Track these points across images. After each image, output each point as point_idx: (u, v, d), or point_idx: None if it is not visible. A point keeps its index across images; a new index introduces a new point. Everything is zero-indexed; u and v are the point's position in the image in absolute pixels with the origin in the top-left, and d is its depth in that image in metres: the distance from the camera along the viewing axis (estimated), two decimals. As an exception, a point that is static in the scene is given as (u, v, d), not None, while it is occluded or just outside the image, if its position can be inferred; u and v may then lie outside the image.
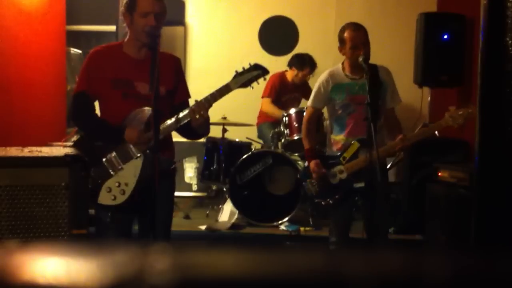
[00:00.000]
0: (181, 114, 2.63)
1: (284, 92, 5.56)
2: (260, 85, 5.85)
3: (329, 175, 3.31)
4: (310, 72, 5.54)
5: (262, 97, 5.54)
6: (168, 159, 2.72)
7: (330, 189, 3.31)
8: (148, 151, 2.61)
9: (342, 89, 3.27)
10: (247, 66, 2.75)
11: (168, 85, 2.71)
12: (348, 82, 3.27)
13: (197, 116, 2.60)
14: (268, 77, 4.98)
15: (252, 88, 2.77)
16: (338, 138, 3.34)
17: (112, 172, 2.63)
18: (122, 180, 2.63)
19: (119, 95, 2.66)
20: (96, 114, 2.80)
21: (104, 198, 2.61)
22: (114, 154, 2.64)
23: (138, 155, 2.63)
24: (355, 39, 3.18)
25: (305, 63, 5.54)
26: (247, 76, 2.72)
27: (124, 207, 2.64)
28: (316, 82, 3.38)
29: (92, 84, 2.69)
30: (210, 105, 2.67)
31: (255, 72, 2.73)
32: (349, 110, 3.27)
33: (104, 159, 2.64)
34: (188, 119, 2.63)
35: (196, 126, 2.66)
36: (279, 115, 5.25)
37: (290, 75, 5.58)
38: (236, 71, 2.74)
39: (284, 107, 5.41)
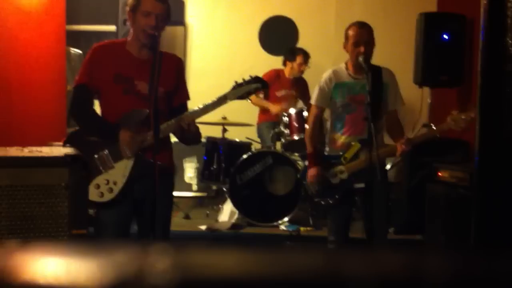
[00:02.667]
0: (161, 127, 2.63)
1: (278, 88, 5.55)
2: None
3: (330, 175, 3.31)
4: (304, 60, 5.56)
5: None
6: (162, 164, 2.65)
7: (331, 189, 3.31)
8: (140, 152, 2.62)
9: (343, 88, 3.28)
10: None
11: (168, 86, 2.71)
12: (350, 81, 3.27)
13: (189, 125, 2.62)
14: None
15: (250, 100, 2.77)
16: (337, 136, 3.34)
17: (102, 169, 2.64)
18: (111, 178, 2.63)
19: (120, 90, 2.65)
20: (93, 109, 2.79)
21: (92, 194, 2.61)
22: (106, 151, 2.64)
23: (130, 155, 2.64)
24: (357, 36, 3.18)
25: (296, 52, 5.60)
26: (246, 89, 2.72)
27: (110, 205, 2.64)
28: (320, 80, 3.37)
29: (93, 78, 2.68)
30: (205, 113, 2.68)
31: (254, 85, 2.73)
32: (349, 109, 3.28)
33: (96, 156, 2.64)
34: (168, 132, 2.65)
35: (188, 133, 2.67)
36: (267, 107, 5.33)
37: (288, 71, 5.60)
38: (236, 82, 2.74)
39: (279, 103, 5.41)
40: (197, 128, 2.70)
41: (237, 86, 2.72)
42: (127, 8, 2.69)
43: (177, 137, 2.83)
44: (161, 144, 2.61)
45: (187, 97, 2.87)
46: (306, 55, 5.58)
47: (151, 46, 2.59)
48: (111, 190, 2.63)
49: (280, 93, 5.56)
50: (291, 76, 5.59)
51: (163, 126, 2.60)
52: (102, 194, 2.63)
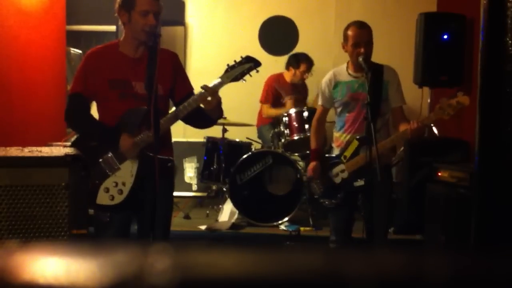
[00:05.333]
0: (180, 107, 2.62)
1: (283, 94, 5.56)
2: (261, 86, 5.82)
3: (332, 175, 3.33)
4: (308, 68, 5.55)
5: (260, 102, 5.57)
6: (164, 158, 2.67)
7: (334, 189, 3.33)
8: (144, 150, 2.61)
9: (342, 87, 3.30)
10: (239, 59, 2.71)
11: (167, 83, 2.70)
12: (349, 80, 3.29)
13: (209, 98, 2.59)
14: (265, 78, 4.90)
15: (245, 81, 2.72)
16: (338, 135, 3.38)
17: (109, 172, 2.63)
18: (119, 179, 2.62)
19: (116, 95, 2.65)
20: (91, 115, 2.78)
21: (102, 199, 2.61)
22: (110, 154, 2.63)
23: (133, 157, 2.63)
24: (357, 37, 3.18)
25: (300, 59, 5.58)
26: (239, 70, 2.67)
27: (122, 207, 2.63)
28: (322, 80, 3.40)
29: (88, 86, 2.68)
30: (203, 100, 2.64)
31: (247, 64, 2.68)
32: (348, 107, 3.30)
33: (100, 160, 2.63)
34: (188, 111, 2.62)
35: (209, 110, 2.64)
36: (282, 113, 5.24)
37: (289, 76, 5.59)
38: (228, 65, 2.70)
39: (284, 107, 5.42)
40: (220, 101, 2.67)
41: (230, 68, 2.68)
42: (117, 6, 2.65)
43: (193, 122, 2.82)
44: (162, 141, 2.60)
45: (191, 86, 2.84)
46: (310, 64, 5.57)
47: (151, 45, 2.57)
48: (121, 191, 2.62)
49: (284, 99, 5.56)
50: (293, 82, 5.59)
51: (162, 120, 2.58)
52: (112, 197, 2.61)
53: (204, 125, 2.95)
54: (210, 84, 2.65)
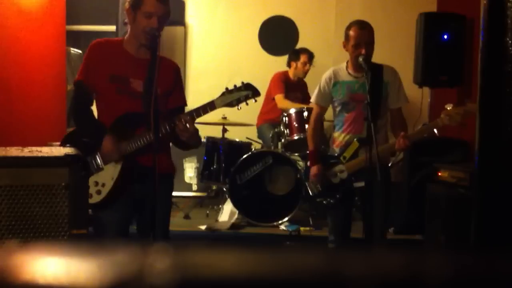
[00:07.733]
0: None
1: (288, 91, 5.55)
2: (261, 86, 5.85)
3: (330, 174, 3.32)
4: (309, 59, 5.55)
5: (273, 96, 5.49)
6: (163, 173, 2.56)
7: (331, 189, 3.32)
8: (131, 157, 2.59)
9: (342, 87, 3.28)
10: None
11: (165, 87, 2.68)
12: (349, 80, 3.27)
13: (181, 128, 2.53)
14: (271, 76, 4.89)
15: (240, 108, 2.64)
16: (336, 134, 3.36)
17: (93, 171, 2.62)
18: (100, 180, 2.62)
19: (113, 89, 2.64)
20: (91, 110, 2.78)
21: None
22: (97, 153, 2.63)
23: (115, 160, 2.62)
24: (358, 37, 3.17)
25: (300, 51, 5.60)
26: (235, 96, 2.61)
27: (100, 207, 2.62)
28: (322, 77, 3.38)
29: (89, 76, 2.68)
30: (194, 120, 2.57)
31: (244, 92, 2.62)
32: (348, 107, 3.28)
33: (88, 157, 2.63)
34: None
35: (185, 139, 2.58)
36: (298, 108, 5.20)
37: (292, 72, 5.60)
38: (226, 88, 2.64)
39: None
40: (196, 131, 2.61)
41: (227, 92, 2.62)
42: (127, 5, 2.65)
43: (172, 142, 2.79)
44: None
45: (184, 101, 2.81)
46: (310, 55, 5.58)
47: (150, 46, 2.58)
48: (99, 192, 2.61)
49: (290, 96, 5.55)
50: (295, 77, 5.59)
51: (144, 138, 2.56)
52: (90, 196, 2.60)
53: (180, 147, 2.84)
54: (194, 109, 2.58)
